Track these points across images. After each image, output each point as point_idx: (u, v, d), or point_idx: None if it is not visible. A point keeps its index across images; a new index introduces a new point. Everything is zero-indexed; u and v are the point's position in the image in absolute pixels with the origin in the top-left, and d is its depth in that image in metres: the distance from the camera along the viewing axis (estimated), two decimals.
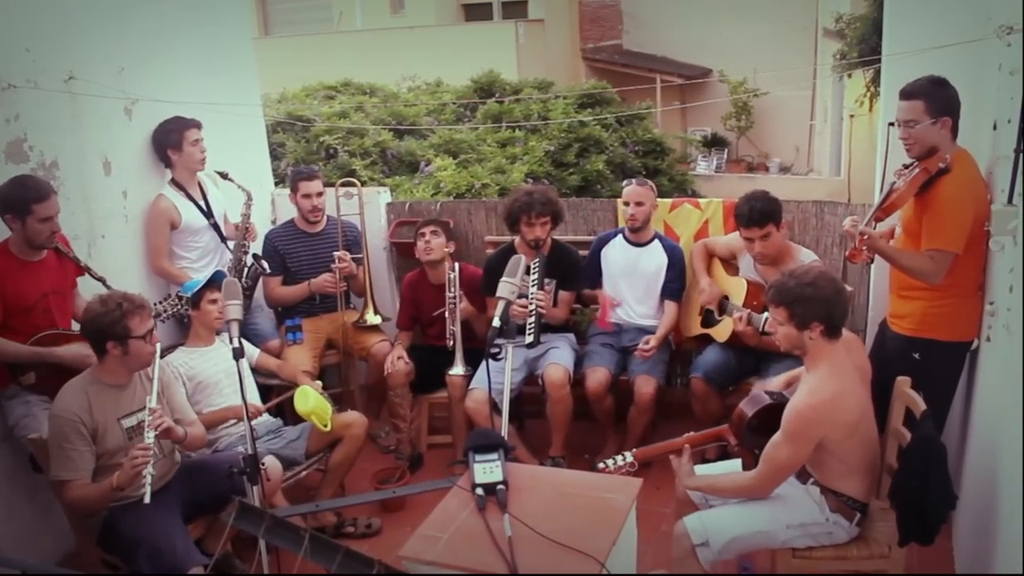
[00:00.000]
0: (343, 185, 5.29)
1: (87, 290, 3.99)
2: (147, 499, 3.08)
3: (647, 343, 4.54)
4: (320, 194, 4.97)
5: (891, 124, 3.57)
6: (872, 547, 3.11)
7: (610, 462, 3.32)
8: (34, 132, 3.95)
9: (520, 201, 4.54)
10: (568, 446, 4.66)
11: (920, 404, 3.05)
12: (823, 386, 2.95)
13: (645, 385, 4.44)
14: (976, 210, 3.37)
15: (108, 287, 3.89)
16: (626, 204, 4.70)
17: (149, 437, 3.21)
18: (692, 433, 3.39)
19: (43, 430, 3.45)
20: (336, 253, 4.89)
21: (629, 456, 3.32)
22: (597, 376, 4.50)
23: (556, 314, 4.71)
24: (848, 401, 2.96)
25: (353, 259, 4.93)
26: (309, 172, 5.04)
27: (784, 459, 3.00)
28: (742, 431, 3.25)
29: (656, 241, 4.77)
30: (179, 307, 4.07)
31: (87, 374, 3.44)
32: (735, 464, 3.47)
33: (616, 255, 4.78)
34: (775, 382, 3.41)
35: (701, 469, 3.42)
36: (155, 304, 4.07)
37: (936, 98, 3.40)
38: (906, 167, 3.50)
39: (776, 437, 2.99)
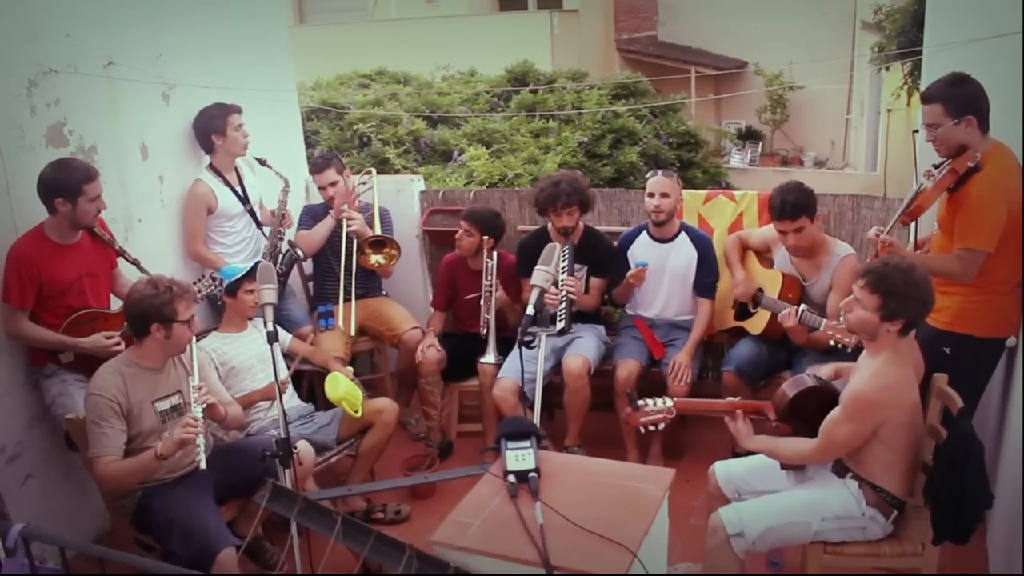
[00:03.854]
0: (365, 174, 5.30)
1: (128, 273, 4.04)
2: (203, 465, 3.14)
3: (679, 375, 4.44)
4: (333, 184, 4.89)
5: (915, 131, 3.54)
6: (905, 545, 3.07)
7: (651, 402, 3.29)
8: (74, 116, 4.00)
9: (547, 192, 4.52)
10: (590, 436, 4.66)
11: (957, 401, 3.01)
12: (886, 371, 2.92)
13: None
14: (1010, 206, 3.32)
15: (142, 270, 3.94)
16: (651, 195, 4.56)
17: (197, 410, 3.26)
18: (736, 399, 3.36)
19: (79, 409, 3.51)
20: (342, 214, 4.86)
21: (670, 403, 3.28)
22: (628, 367, 4.47)
23: (587, 301, 4.69)
24: (907, 389, 2.95)
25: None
26: (319, 163, 4.96)
27: (842, 437, 2.97)
28: (782, 410, 3.22)
29: (682, 234, 4.68)
30: (212, 288, 4.09)
31: (123, 356, 3.49)
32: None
33: (643, 254, 4.65)
34: (824, 370, 3.37)
35: (735, 463, 3.41)
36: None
37: (954, 98, 3.36)
38: (936, 167, 3.45)
39: (836, 414, 2.96)
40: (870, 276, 2.96)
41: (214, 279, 4.10)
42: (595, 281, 4.73)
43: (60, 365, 3.76)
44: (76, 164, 3.73)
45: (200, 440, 3.18)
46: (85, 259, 3.84)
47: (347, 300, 4.84)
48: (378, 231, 4.90)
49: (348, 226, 4.82)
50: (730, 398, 3.33)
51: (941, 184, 3.38)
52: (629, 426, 3.28)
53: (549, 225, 4.66)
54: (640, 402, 3.28)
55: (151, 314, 3.35)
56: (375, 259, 4.89)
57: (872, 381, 2.92)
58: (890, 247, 3.43)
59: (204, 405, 3.32)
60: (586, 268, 4.70)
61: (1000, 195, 3.33)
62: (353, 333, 4.84)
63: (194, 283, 4.09)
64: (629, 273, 4.54)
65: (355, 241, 4.86)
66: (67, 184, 3.63)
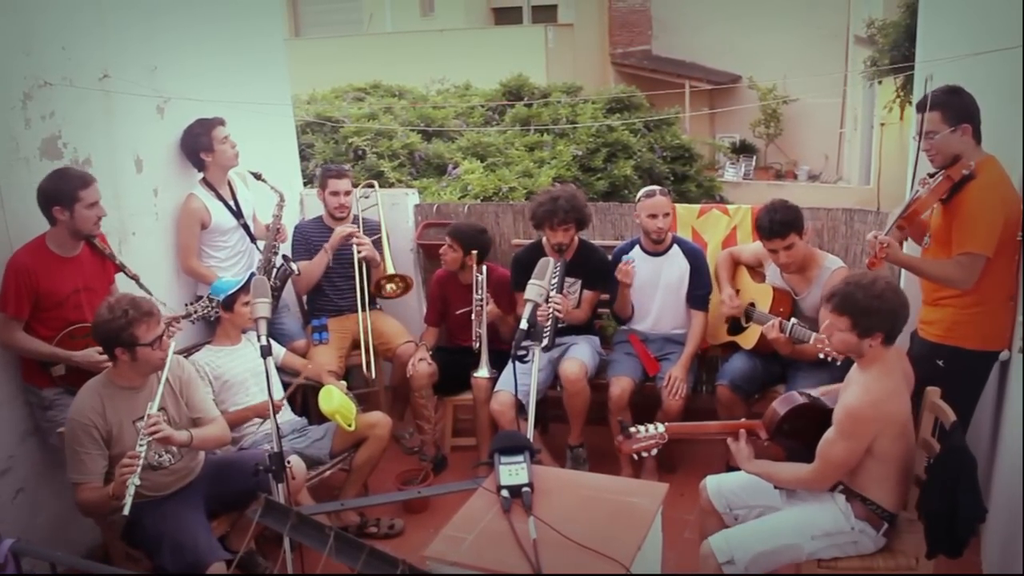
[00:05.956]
0: (366, 187, 5.35)
1: (126, 288, 4.02)
2: (125, 511, 3.03)
3: (674, 389, 4.42)
4: (347, 192, 5.03)
5: (915, 138, 3.55)
6: (899, 558, 3.07)
7: (643, 429, 3.28)
8: (68, 129, 4.00)
9: (544, 207, 4.51)
10: (588, 450, 4.67)
11: (950, 414, 3.02)
12: (876, 384, 2.93)
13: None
14: (1006, 214, 3.34)
15: (141, 285, 3.92)
16: (652, 216, 4.55)
17: (140, 446, 3.17)
18: (726, 422, 3.36)
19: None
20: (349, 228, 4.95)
21: (661, 427, 3.27)
22: (621, 384, 4.46)
23: (579, 315, 4.68)
24: (899, 401, 2.96)
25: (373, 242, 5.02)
26: (339, 170, 5.12)
27: (839, 456, 2.97)
28: (773, 429, 3.23)
29: (675, 247, 4.68)
30: (209, 309, 4.10)
31: (102, 376, 3.45)
32: None
33: (637, 268, 4.62)
34: (816, 392, 3.37)
35: (727, 477, 3.40)
36: (186, 305, 4.11)
37: (952, 106, 3.38)
38: (931, 176, 3.47)
39: (830, 434, 2.97)
40: (834, 299, 3.04)
41: (211, 300, 4.10)
42: (587, 294, 4.73)
43: (53, 380, 3.74)
44: (72, 172, 3.75)
45: (132, 481, 3.06)
46: (83, 273, 3.83)
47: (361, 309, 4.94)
48: (388, 262, 4.98)
49: (358, 252, 4.91)
50: (722, 420, 3.33)
51: (937, 190, 3.39)
52: (622, 454, 3.28)
53: (544, 239, 4.65)
54: (632, 429, 3.28)
55: (111, 339, 3.28)
56: (389, 287, 4.98)
57: (862, 396, 2.93)
58: (888, 248, 3.43)
59: (149, 438, 3.20)
60: (579, 282, 4.70)
61: (996, 201, 3.34)
62: (372, 346, 4.92)
63: (189, 304, 4.09)
64: (616, 271, 4.54)
65: (366, 266, 4.98)
66: (63, 191, 3.64)
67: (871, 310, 2.93)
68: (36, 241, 3.73)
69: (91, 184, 3.71)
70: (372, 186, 5.36)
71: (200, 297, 4.16)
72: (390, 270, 4.96)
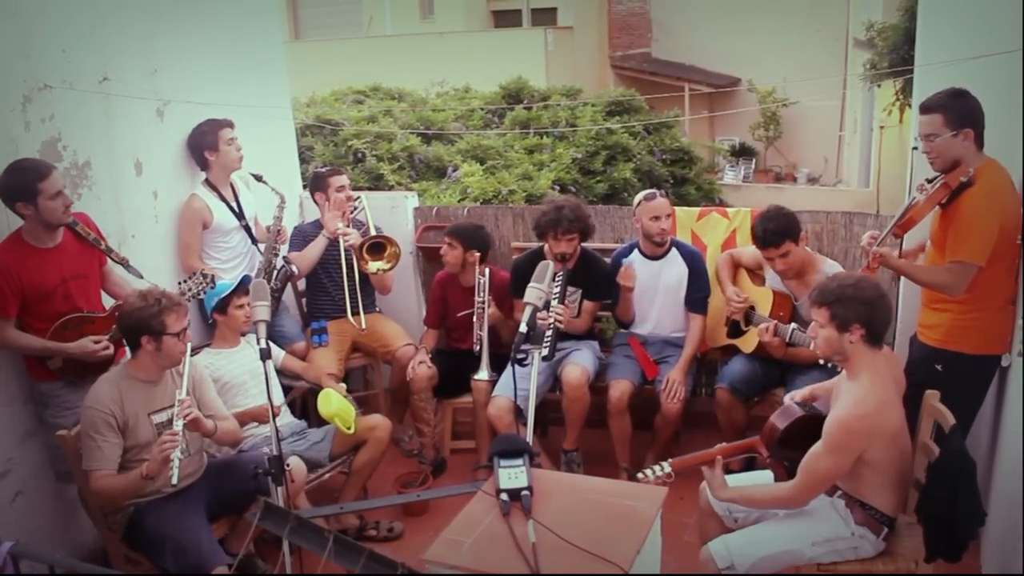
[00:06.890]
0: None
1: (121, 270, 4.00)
2: (175, 480, 3.14)
3: (672, 392, 4.42)
4: (349, 186, 5.03)
5: (914, 148, 3.55)
6: (899, 562, 3.07)
7: (649, 472, 3.29)
8: (68, 132, 3.99)
9: (549, 216, 4.50)
10: (584, 453, 4.67)
11: (949, 418, 3.02)
12: (867, 396, 2.92)
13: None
14: (1003, 221, 3.33)
15: (130, 268, 3.89)
16: (656, 219, 4.54)
17: (177, 424, 3.27)
18: (725, 444, 3.36)
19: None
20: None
21: (667, 467, 3.29)
22: (620, 387, 4.46)
23: (578, 324, 4.67)
24: (891, 411, 2.95)
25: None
26: (336, 168, 5.10)
27: (824, 470, 2.96)
28: (773, 444, 3.22)
29: (673, 250, 4.68)
30: (204, 284, 4.03)
31: (120, 368, 3.50)
32: (762, 476, 3.44)
33: (636, 272, 4.62)
34: (800, 393, 3.38)
35: (728, 480, 3.40)
36: (179, 283, 3.99)
37: (955, 110, 3.37)
38: (929, 181, 3.45)
39: (817, 448, 2.95)
40: (813, 294, 3.08)
41: (205, 276, 4.03)
42: (588, 305, 4.72)
43: (52, 373, 3.71)
44: (28, 164, 3.60)
45: (176, 455, 3.17)
46: (69, 261, 3.76)
47: (355, 313, 4.88)
48: (371, 226, 4.94)
49: (345, 241, 4.84)
50: (719, 444, 3.33)
51: (934, 197, 3.38)
52: None
53: (545, 247, 4.63)
54: (639, 475, 3.30)
55: (140, 327, 3.35)
56: (376, 266, 4.89)
57: (855, 409, 2.92)
58: (881, 259, 3.44)
59: (185, 420, 3.31)
60: (580, 292, 4.69)
61: (993, 209, 3.33)
62: (364, 326, 4.87)
63: (181, 282, 4.00)
64: (618, 275, 4.54)
65: (353, 256, 4.88)
66: (21, 187, 3.53)
67: (845, 297, 2.94)
68: (12, 236, 3.65)
69: (49, 174, 3.57)
70: (359, 198, 5.34)
71: (193, 274, 4.08)
72: (372, 232, 4.91)
